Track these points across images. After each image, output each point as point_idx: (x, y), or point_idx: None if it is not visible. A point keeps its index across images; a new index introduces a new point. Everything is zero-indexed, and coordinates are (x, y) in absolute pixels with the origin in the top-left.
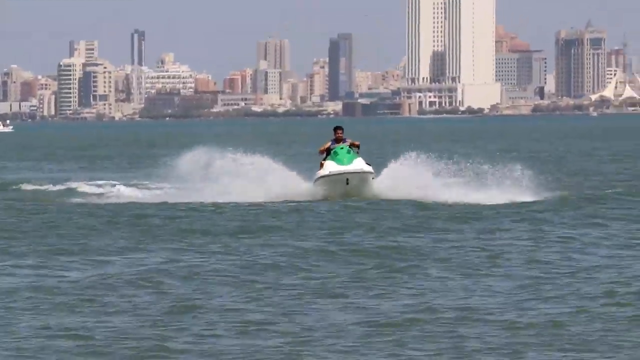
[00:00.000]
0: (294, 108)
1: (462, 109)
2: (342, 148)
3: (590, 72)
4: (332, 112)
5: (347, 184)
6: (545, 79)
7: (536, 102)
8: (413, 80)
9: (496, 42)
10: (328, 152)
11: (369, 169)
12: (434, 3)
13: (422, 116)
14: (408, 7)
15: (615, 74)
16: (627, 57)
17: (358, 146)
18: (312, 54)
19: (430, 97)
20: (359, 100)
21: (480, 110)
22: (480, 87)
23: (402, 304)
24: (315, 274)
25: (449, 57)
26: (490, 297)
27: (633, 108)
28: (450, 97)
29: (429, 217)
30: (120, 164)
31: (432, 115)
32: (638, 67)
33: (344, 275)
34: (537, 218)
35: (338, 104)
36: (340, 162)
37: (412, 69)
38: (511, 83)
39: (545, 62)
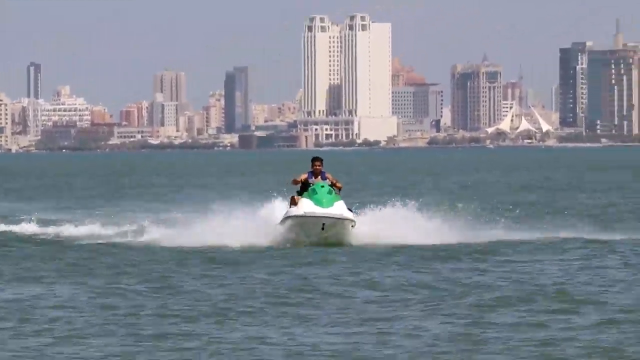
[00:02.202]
0: (190, 140)
1: (358, 141)
2: (322, 186)
3: (486, 105)
4: (228, 144)
5: (323, 229)
6: (441, 112)
7: (432, 135)
8: (309, 113)
9: (392, 75)
10: (304, 187)
11: (350, 215)
12: (330, 36)
13: (318, 149)
14: (304, 40)
15: (511, 107)
16: (523, 90)
17: (340, 188)
18: (208, 87)
19: (326, 129)
20: (255, 133)
21: (377, 142)
22: (376, 120)
23: None
24: None
25: (345, 90)
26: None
27: (529, 141)
28: (347, 129)
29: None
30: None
31: (328, 148)
32: (534, 100)
33: None
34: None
35: (234, 137)
36: (318, 203)
37: (308, 102)
38: (408, 116)
39: (442, 95)
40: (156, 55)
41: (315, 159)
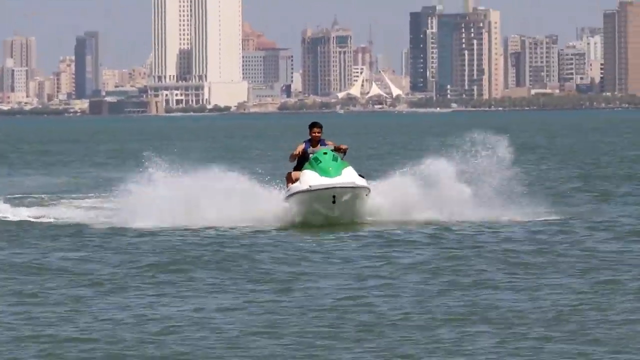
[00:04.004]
0: (40, 106)
1: (209, 107)
2: (325, 153)
3: (337, 70)
4: (78, 111)
5: (334, 202)
6: (292, 77)
7: (283, 100)
8: (160, 78)
9: (243, 40)
10: (302, 159)
11: (363, 182)
12: (180, 1)
13: (169, 114)
14: (154, 5)
15: (361, 72)
16: (373, 55)
17: (345, 151)
18: (58, 52)
19: (177, 95)
20: (106, 99)
21: (227, 108)
22: (227, 85)
23: None
24: None
25: (195, 55)
26: None
27: (379, 106)
28: (197, 95)
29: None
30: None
31: (179, 113)
32: (384, 65)
33: None
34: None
35: (85, 102)
36: (324, 173)
37: (159, 67)
38: (258, 81)
39: (292, 61)
40: (6, 20)
41: (313, 125)
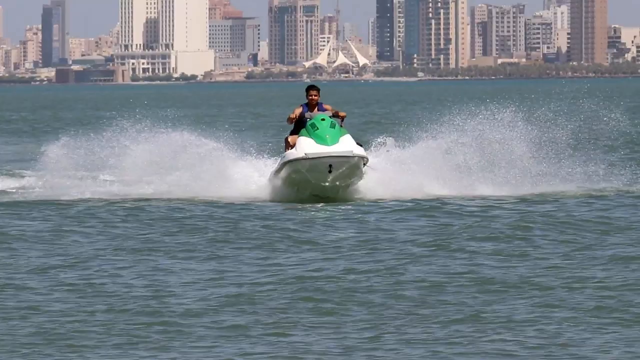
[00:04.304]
0: (7, 75)
1: (175, 75)
2: (322, 119)
3: (303, 40)
4: (45, 79)
5: (330, 172)
6: (258, 46)
7: (250, 69)
8: (126, 47)
9: (210, 9)
10: (299, 124)
11: (361, 152)
12: None
13: (135, 82)
14: None
15: (328, 41)
16: (339, 24)
17: (343, 118)
18: (25, 21)
19: (143, 63)
20: (72, 67)
21: (194, 77)
22: (193, 54)
23: None
24: None
25: (162, 24)
26: None
27: (346, 75)
28: (163, 64)
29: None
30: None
31: (145, 82)
32: (350, 34)
33: None
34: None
35: (51, 71)
36: (320, 140)
37: (125, 36)
38: (224, 50)
39: (259, 29)
40: None
41: (310, 88)
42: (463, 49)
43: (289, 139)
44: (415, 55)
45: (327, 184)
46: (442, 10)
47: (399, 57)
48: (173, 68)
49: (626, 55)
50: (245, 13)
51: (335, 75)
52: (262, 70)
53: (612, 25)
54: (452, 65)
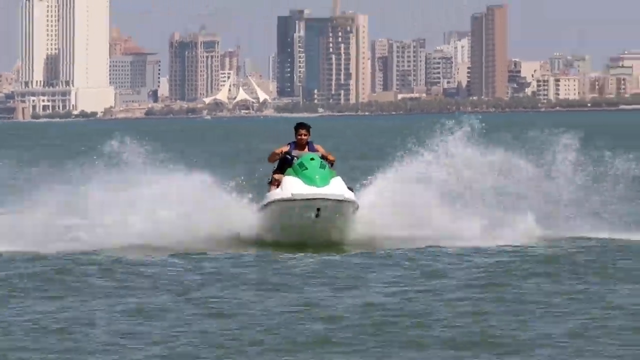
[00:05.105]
0: None
1: (75, 112)
2: (312, 159)
3: (204, 75)
4: None
5: (317, 216)
6: (159, 82)
7: (150, 106)
8: (27, 83)
9: (110, 45)
10: (285, 163)
11: (351, 196)
12: (47, 5)
13: (35, 120)
14: (21, 10)
15: (229, 77)
16: (240, 60)
17: (333, 162)
18: None
19: (44, 100)
20: None
21: (94, 114)
22: (93, 91)
23: None
24: None
25: (62, 60)
26: None
27: (246, 111)
28: (63, 100)
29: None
30: None
31: (45, 120)
32: (251, 69)
33: None
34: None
35: None
36: (309, 181)
37: (26, 73)
38: (125, 86)
39: (159, 65)
40: None
41: (300, 126)
42: (364, 84)
43: (276, 177)
44: (315, 91)
45: (311, 228)
46: (342, 45)
47: (300, 92)
48: (73, 105)
49: (526, 90)
50: (146, 48)
51: (236, 112)
52: (162, 107)
53: (513, 59)
54: (353, 100)
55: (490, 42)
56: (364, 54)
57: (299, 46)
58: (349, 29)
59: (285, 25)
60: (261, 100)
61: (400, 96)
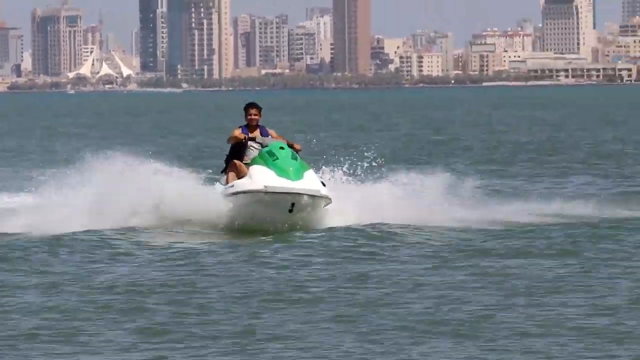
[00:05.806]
0: None
1: None
2: (282, 148)
3: (67, 50)
4: None
5: (291, 211)
6: (22, 56)
7: (13, 80)
8: None
9: None
10: (237, 149)
11: (326, 191)
12: None
13: None
14: None
15: (92, 52)
16: (103, 34)
17: (298, 152)
18: None
19: None
20: None
21: None
22: None
23: None
24: None
25: None
26: None
27: (109, 85)
28: None
29: None
30: None
31: None
32: (114, 44)
33: None
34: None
35: None
36: (282, 173)
37: None
38: None
39: (22, 40)
40: None
41: (250, 106)
42: (227, 59)
43: (237, 165)
44: (179, 66)
45: (283, 223)
46: (205, 21)
47: (163, 67)
48: None
49: (390, 66)
50: (8, 23)
51: (100, 86)
52: (25, 81)
53: (376, 36)
54: (216, 76)
55: (353, 18)
56: (226, 30)
57: (162, 21)
58: (211, 4)
59: (147, 1)
60: (125, 75)
61: (263, 72)
